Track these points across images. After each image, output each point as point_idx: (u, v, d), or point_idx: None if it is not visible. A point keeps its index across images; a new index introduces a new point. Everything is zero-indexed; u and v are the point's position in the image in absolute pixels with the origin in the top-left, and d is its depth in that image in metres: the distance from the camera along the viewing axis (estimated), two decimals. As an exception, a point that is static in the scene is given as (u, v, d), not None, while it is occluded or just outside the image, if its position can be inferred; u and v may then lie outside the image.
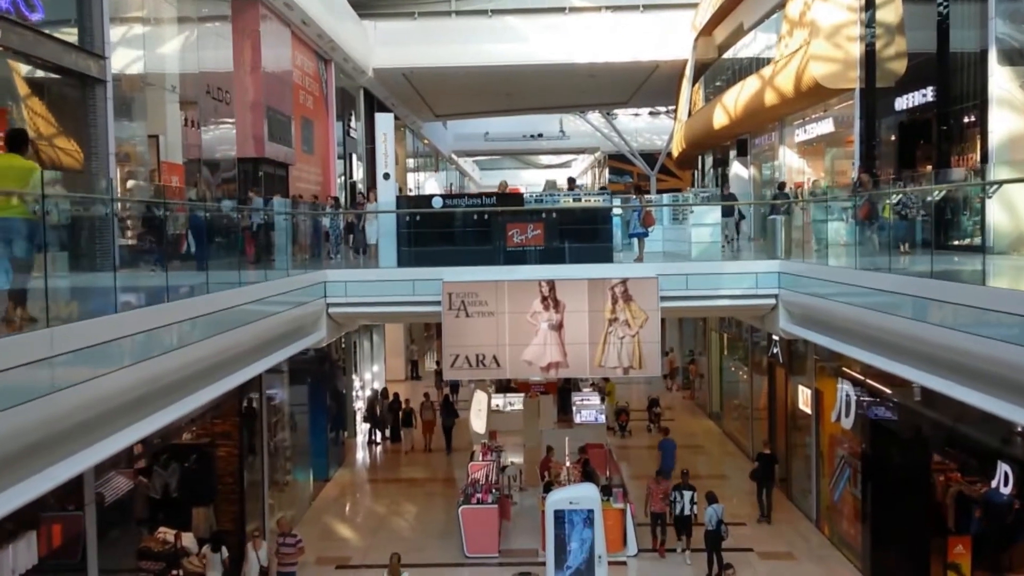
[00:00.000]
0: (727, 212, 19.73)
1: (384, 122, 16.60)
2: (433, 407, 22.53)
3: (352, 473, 22.66)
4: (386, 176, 16.10)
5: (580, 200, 17.33)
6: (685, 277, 15.18)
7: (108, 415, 7.95)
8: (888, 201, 11.90)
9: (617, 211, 17.90)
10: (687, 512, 16.37)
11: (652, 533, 16.60)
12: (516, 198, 17.15)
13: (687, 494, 16.47)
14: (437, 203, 16.06)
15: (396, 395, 25.38)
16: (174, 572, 13.82)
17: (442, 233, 16.12)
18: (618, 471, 18.68)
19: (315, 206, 18.82)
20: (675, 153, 36.22)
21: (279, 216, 14.76)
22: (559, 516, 13.82)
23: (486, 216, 15.75)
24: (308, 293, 14.45)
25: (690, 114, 32.59)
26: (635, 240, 16.73)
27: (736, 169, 30.56)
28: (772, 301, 15.17)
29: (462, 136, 52.76)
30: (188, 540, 14.40)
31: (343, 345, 25.03)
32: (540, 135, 52.33)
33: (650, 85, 36.74)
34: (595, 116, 53.28)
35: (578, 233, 16.11)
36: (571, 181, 19.16)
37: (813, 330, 13.92)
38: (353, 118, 32.01)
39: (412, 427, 22.39)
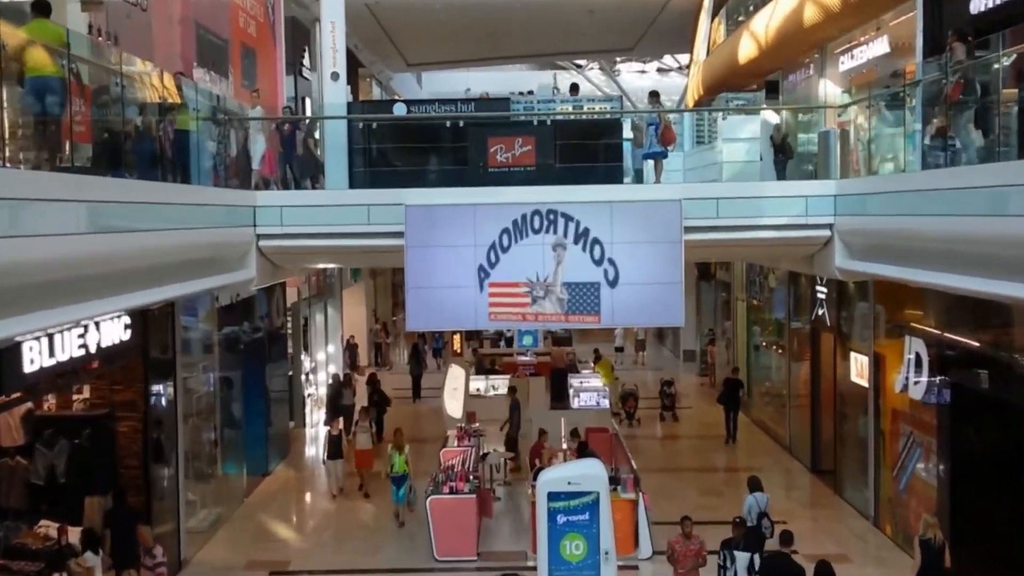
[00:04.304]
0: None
1: (332, 8, 15.11)
2: (371, 430, 19.89)
3: (298, 467, 21.37)
4: (335, 76, 14.76)
5: (582, 108, 15.98)
6: (715, 202, 13.88)
7: None
8: (998, 65, 10.22)
9: (627, 134, 16.42)
10: None
11: None
12: (500, 104, 15.74)
13: (742, 557, 12.35)
14: (400, 110, 14.96)
15: (373, 375, 23.89)
16: (56, 575, 12.19)
17: (406, 149, 15.16)
18: (627, 460, 17.30)
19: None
20: (690, 104, 34.77)
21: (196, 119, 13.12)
22: (555, 500, 12.50)
23: (461, 124, 14.61)
24: (229, 217, 12.93)
25: (709, 53, 31.09)
26: (650, 163, 15.52)
27: (765, 115, 29.07)
28: (826, 232, 13.89)
29: (439, 94, 51.07)
30: (77, 536, 12.92)
31: (289, 321, 23.77)
32: (531, 92, 50.77)
33: (660, 26, 35.29)
34: (595, 73, 51.60)
35: (580, 150, 15.04)
36: (574, 87, 17.74)
37: (884, 263, 12.44)
38: (307, 56, 30.24)
39: (341, 458, 18.77)
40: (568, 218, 13.56)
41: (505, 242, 13.66)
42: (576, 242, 13.50)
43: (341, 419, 21.20)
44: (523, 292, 13.65)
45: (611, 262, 13.60)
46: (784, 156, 16.32)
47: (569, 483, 12.49)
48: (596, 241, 13.59)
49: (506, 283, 13.64)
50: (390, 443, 17.28)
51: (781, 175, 15.86)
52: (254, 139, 14.45)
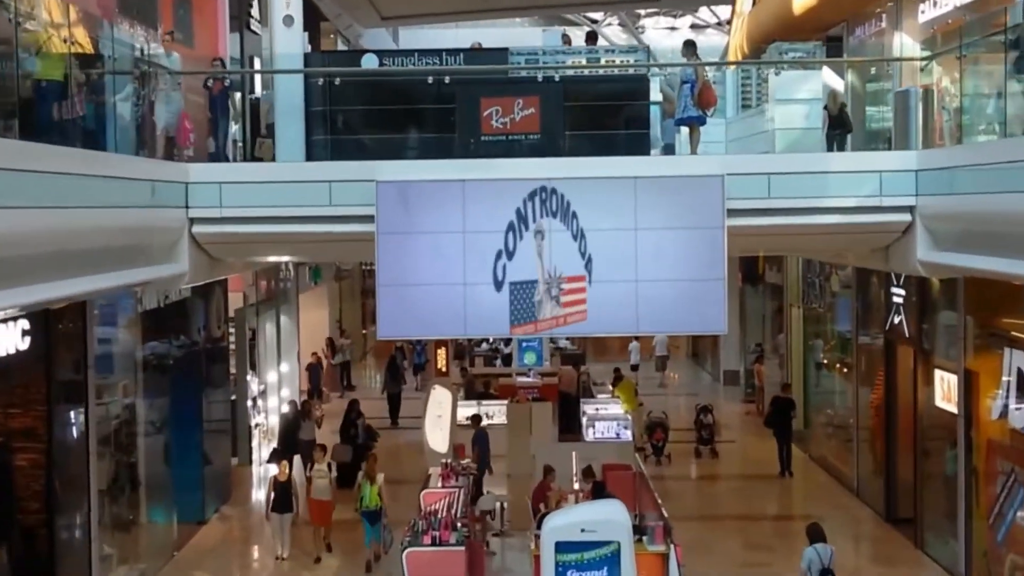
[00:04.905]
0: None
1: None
2: (330, 475, 19.32)
3: (243, 513, 21.36)
4: (288, 21, 14.82)
5: (600, 61, 16.08)
6: (766, 178, 13.74)
7: None
8: None
9: (655, 96, 16.48)
10: None
11: None
12: (497, 56, 15.95)
13: None
14: (370, 62, 15.12)
15: (354, 403, 23.75)
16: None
17: (378, 112, 15.24)
18: (655, 504, 17.20)
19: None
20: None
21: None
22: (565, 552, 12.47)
23: (447, 82, 14.56)
24: (155, 194, 12.70)
25: (755, 2, 31.09)
26: (684, 131, 15.46)
27: (826, 79, 29.16)
28: (905, 216, 13.74)
29: (420, 56, 51.27)
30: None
31: (232, 332, 23.81)
32: (535, 52, 51.07)
33: (695, -30, 35.61)
34: (614, 30, 51.64)
35: (596, 114, 15.18)
36: (591, 36, 17.80)
37: (979, 254, 12.28)
38: (256, 6, 30.20)
39: (292, 511, 18.22)
40: (578, 198, 13.49)
41: (504, 228, 13.58)
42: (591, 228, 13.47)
43: (297, 458, 21.04)
44: (525, 292, 13.60)
45: (638, 256, 13.51)
46: (841, 130, 16.38)
47: (583, 531, 12.38)
48: (615, 228, 13.50)
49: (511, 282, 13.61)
50: (360, 473, 17.91)
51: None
52: (165, 97, 14.17)
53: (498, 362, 33.16)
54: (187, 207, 13.59)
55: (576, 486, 17.67)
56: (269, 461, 22.42)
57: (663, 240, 13.48)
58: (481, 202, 13.53)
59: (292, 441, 22.66)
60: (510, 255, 13.49)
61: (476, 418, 21.32)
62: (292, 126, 14.66)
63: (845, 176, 13.80)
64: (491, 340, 34.75)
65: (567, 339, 36.04)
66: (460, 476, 18.82)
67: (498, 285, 13.57)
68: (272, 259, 21.02)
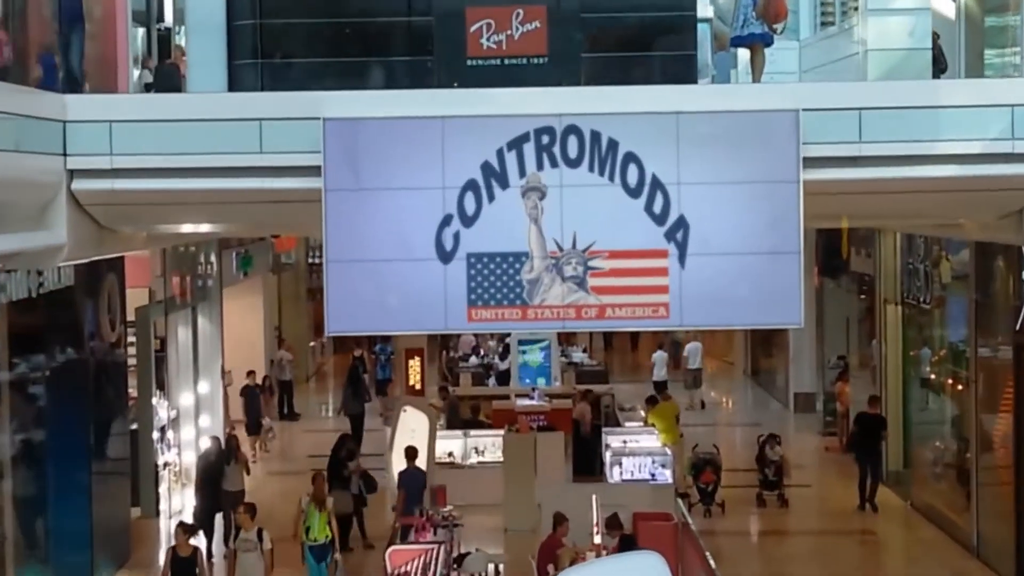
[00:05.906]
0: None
1: None
2: (261, 548, 18.96)
3: None
4: None
5: None
6: (856, 115, 13.57)
7: None
8: None
9: (705, 10, 16.94)
10: None
11: None
12: None
13: None
14: None
15: (346, 438, 23.81)
16: None
17: (327, 28, 15.23)
18: (706, 566, 17.44)
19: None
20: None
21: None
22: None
23: None
24: (19, 134, 12.47)
25: None
26: (742, 55, 16.26)
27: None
28: None
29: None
30: None
31: (133, 339, 23.95)
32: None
33: None
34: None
35: (623, 30, 15.14)
36: None
37: None
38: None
39: None
40: (600, 140, 13.35)
41: (495, 184, 13.54)
42: (613, 177, 13.29)
43: (217, 519, 20.94)
44: (526, 268, 13.55)
45: (682, 220, 13.38)
46: (933, 68, 16.53)
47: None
48: (657, 182, 13.35)
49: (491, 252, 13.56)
50: (305, 495, 18.63)
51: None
52: None
53: (491, 380, 33.43)
54: (65, 154, 13.44)
55: (597, 540, 17.57)
56: (191, 532, 21.60)
57: (714, 199, 13.39)
58: (467, 148, 13.49)
59: (214, 491, 22.76)
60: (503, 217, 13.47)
61: (410, 452, 21.37)
62: (209, 44, 14.74)
63: (964, 112, 13.62)
64: (482, 352, 34.92)
65: (584, 351, 36.32)
66: (440, 528, 18.94)
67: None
68: (185, 229, 20.98)
